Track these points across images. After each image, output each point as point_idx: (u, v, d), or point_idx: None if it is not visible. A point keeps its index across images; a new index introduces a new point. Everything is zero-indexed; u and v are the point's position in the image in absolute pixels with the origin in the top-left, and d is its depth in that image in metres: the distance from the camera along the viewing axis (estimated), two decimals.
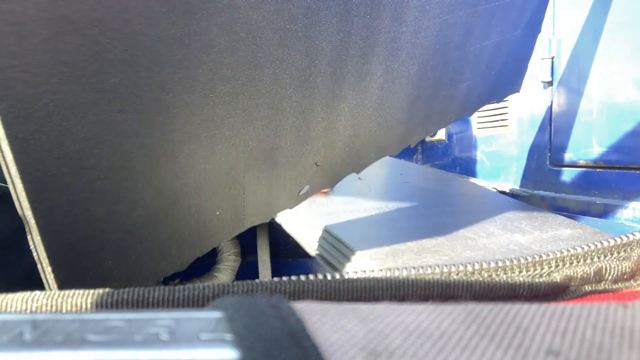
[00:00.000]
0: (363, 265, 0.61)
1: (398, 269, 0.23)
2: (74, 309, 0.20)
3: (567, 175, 0.96)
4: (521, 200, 1.00)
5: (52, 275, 0.31)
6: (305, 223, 0.81)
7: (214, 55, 0.36)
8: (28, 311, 0.20)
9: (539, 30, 0.84)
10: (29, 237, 0.30)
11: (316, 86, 0.47)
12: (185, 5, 0.32)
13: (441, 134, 1.53)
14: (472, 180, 1.25)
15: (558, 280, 0.23)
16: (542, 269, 0.24)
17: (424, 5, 0.54)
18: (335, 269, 0.68)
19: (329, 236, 0.72)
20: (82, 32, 0.27)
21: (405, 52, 0.56)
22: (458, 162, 1.51)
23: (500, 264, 0.24)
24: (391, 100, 0.58)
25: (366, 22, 0.48)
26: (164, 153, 0.36)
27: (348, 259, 0.65)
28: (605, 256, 0.25)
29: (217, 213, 0.44)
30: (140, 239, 0.38)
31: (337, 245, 0.69)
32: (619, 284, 0.24)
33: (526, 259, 0.25)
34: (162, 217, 0.39)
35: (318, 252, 0.75)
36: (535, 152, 1.07)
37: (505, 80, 0.83)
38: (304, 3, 0.41)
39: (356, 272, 0.22)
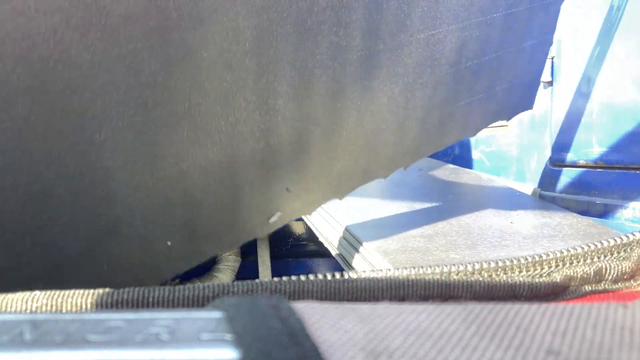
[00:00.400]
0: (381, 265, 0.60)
1: (398, 269, 0.23)
2: (74, 309, 0.20)
3: (567, 175, 0.96)
4: None
5: None
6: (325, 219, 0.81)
7: (144, 79, 0.34)
8: (28, 311, 0.20)
9: (550, 43, 0.79)
10: None
11: (277, 109, 0.44)
12: (102, 30, 0.31)
13: None
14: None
15: (558, 280, 0.23)
16: (542, 269, 0.24)
17: (403, 21, 0.51)
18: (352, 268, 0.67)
19: (350, 237, 0.72)
20: None
21: (385, 71, 0.53)
22: (458, 161, 1.51)
23: (500, 264, 0.24)
24: (372, 121, 0.55)
25: (332, 39, 0.45)
26: (92, 181, 0.35)
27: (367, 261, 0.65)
28: (605, 256, 0.25)
29: (168, 243, 0.42)
30: (73, 272, 0.37)
31: (356, 245, 0.69)
32: (619, 284, 0.24)
33: (526, 259, 0.25)
34: (98, 248, 0.37)
35: (338, 252, 0.75)
36: (535, 152, 1.07)
37: (513, 97, 0.78)
38: (251, 22, 0.38)
39: (356, 272, 0.22)
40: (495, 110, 0.77)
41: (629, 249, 0.25)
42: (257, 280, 0.21)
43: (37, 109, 0.30)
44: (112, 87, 0.33)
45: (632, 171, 0.82)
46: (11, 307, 0.20)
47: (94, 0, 0.30)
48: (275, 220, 0.52)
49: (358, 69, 0.49)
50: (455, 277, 0.22)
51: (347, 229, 0.73)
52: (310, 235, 1.17)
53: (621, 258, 0.25)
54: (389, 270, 0.23)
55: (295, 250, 1.27)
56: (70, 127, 0.32)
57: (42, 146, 0.32)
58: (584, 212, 0.88)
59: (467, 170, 1.36)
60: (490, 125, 1.29)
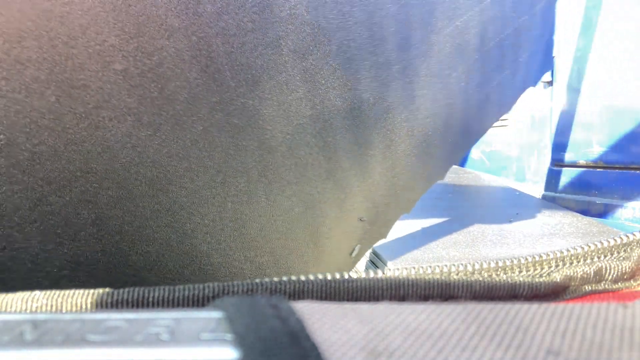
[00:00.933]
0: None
1: (398, 269, 0.23)
2: (74, 309, 0.20)
3: (567, 175, 0.96)
4: None
5: None
6: None
7: (217, 156, 0.35)
8: (28, 311, 0.20)
9: None
10: None
11: (336, 144, 0.44)
12: (172, 120, 0.31)
13: None
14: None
15: (558, 280, 0.23)
16: (542, 269, 0.24)
17: (428, 20, 0.51)
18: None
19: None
20: None
21: (424, 75, 0.53)
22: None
23: (500, 264, 0.24)
24: (420, 128, 0.55)
25: (372, 60, 0.45)
26: (192, 264, 0.37)
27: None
28: (605, 256, 0.25)
29: None
30: None
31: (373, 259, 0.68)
32: (619, 284, 0.24)
33: (526, 259, 0.25)
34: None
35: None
36: (535, 152, 1.07)
37: (534, 62, 0.78)
38: (299, 67, 0.38)
39: (356, 272, 0.22)
40: (522, 81, 0.77)
41: (629, 249, 0.25)
42: (257, 280, 0.21)
43: (128, 219, 0.31)
44: (191, 174, 0.33)
45: (632, 171, 0.82)
46: (11, 307, 0.20)
47: (160, 91, 0.30)
48: (357, 253, 0.52)
49: (399, 81, 0.49)
50: (455, 277, 0.22)
51: None
52: None
53: (621, 258, 0.25)
54: (389, 270, 0.23)
55: None
56: (162, 225, 0.33)
57: (140, 251, 0.33)
58: (584, 212, 0.88)
59: (467, 170, 1.36)
60: None
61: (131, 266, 0.33)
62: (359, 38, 0.43)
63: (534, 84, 0.82)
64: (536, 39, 0.76)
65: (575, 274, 0.24)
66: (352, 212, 0.49)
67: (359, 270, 0.27)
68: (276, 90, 0.37)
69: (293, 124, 0.39)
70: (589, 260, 0.25)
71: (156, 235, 0.33)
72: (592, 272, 0.24)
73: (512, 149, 1.18)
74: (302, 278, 0.21)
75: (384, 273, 0.22)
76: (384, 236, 0.58)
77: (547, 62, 0.84)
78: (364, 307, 0.15)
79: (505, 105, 0.74)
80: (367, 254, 0.65)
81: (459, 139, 0.64)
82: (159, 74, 0.30)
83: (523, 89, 0.79)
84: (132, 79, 0.29)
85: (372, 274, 0.22)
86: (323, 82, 0.41)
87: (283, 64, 0.37)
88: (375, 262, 0.64)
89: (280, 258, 0.43)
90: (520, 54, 0.73)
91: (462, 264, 0.24)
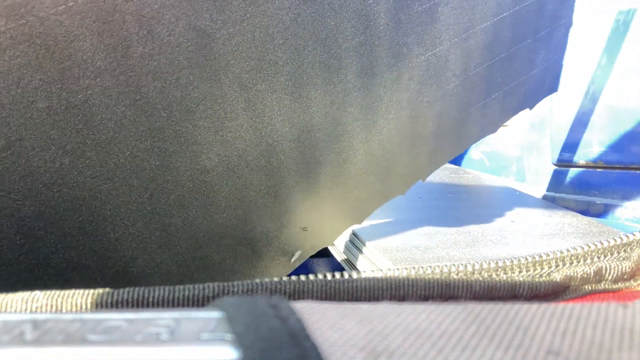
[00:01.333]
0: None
1: (398, 268, 0.23)
2: (74, 309, 0.20)
3: (568, 175, 0.96)
4: None
5: None
6: None
7: (145, 176, 0.38)
8: (28, 311, 0.20)
9: (569, 25, 0.75)
10: None
11: (280, 166, 0.45)
12: (98, 145, 0.33)
13: None
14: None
15: (558, 280, 0.23)
16: (542, 269, 0.24)
17: (399, 51, 0.49)
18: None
19: (351, 235, 0.71)
20: None
21: (387, 100, 0.52)
22: (458, 161, 1.51)
23: (500, 264, 0.24)
24: (382, 149, 0.54)
25: (327, 89, 0.45)
26: (115, 272, 0.39)
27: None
28: (605, 256, 0.25)
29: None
30: None
31: (357, 243, 0.68)
32: (619, 284, 0.24)
33: (526, 259, 0.25)
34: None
35: (345, 258, 0.75)
36: (535, 152, 1.07)
37: (533, 85, 0.76)
38: (242, 97, 0.39)
39: (356, 272, 0.22)
40: (515, 102, 0.75)
41: (629, 249, 0.25)
42: (257, 280, 0.21)
43: (50, 229, 0.34)
44: (116, 192, 0.35)
45: (632, 171, 0.82)
46: (11, 307, 0.20)
47: (85, 123, 0.31)
48: (297, 259, 0.52)
49: (358, 105, 0.49)
50: (455, 277, 0.22)
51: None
52: None
53: (621, 258, 0.25)
54: (389, 270, 0.23)
55: None
56: (85, 233, 0.35)
57: (63, 255, 0.35)
58: (584, 212, 0.88)
59: (467, 170, 1.36)
60: None
61: (54, 267, 0.35)
62: (311, 70, 0.42)
63: (531, 106, 0.80)
64: (538, 62, 0.74)
65: (575, 274, 0.24)
66: (294, 223, 0.50)
67: (360, 270, 0.27)
68: (213, 118, 0.38)
69: (232, 147, 0.40)
70: (589, 260, 0.25)
71: (78, 242, 0.35)
72: (592, 272, 0.24)
73: (512, 149, 1.18)
74: (302, 278, 0.21)
75: (384, 273, 0.22)
76: (329, 243, 0.58)
77: (551, 85, 0.80)
78: (364, 307, 0.15)
79: (488, 126, 0.72)
80: (373, 258, 0.64)
81: (427, 159, 0.63)
82: (84, 109, 0.31)
83: (515, 112, 0.77)
84: (57, 115, 0.31)
85: (372, 274, 0.22)
86: (268, 110, 0.41)
87: (222, 96, 0.38)
88: (378, 264, 0.64)
89: (212, 265, 0.44)
90: (514, 77, 0.71)
91: (462, 264, 0.24)
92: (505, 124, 1.20)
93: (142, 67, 0.32)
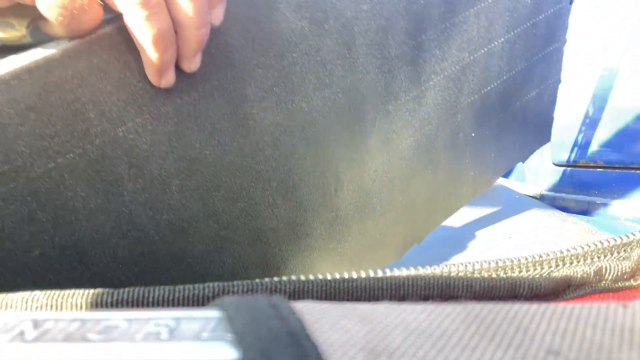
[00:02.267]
0: None
1: (398, 268, 0.23)
2: (74, 308, 0.20)
3: (567, 175, 0.96)
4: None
5: None
6: None
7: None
8: (29, 311, 0.20)
9: (563, 43, 0.72)
10: None
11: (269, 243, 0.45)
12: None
13: None
14: None
15: (558, 280, 0.23)
16: (542, 268, 0.24)
17: (355, 110, 0.48)
18: None
19: None
20: None
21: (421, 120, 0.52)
22: None
23: (500, 263, 0.24)
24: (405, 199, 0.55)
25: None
26: None
27: None
28: (605, 256, 0.25)
29: None
30: None
31: None
32: (619, 283, 0.24)
33: (526, 259, 0.25)
34: None
35: None
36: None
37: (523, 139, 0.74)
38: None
39: (356, 272, 0.22)
40: (507, 159, 0.73)
41: (629, 249, 0.25)
42: (257, 280, 0.21)
43: None
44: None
45: (632, 171, 0.82)
46: (12, 307, 0.20)
47: (79, 262, 0.32)
48: None
49: (350, 192, 0.49)
50: (455, 277, 0.22)
51: None
52: None
53: (621, 258, 0.25)
54: (389, 270, 0.23)
55: None
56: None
57: None
58: (584, 212, 0.88)
59: None
60: None
61: None
62: (301, 170, 0.43)
63: (523, 160, 0.76)
64: (530, 115, 0.72)
65: (575, 274, 0.24)
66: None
67: (360, 270, 0.27)
68: (209, 233, 0.39)
69: (230, 254, 0.40)
70: (589, 260, 0.25)
71: None
72: (592, 272, 0.24)
73: None
74: (302, 278, 0.21)
75: (384, 273, 0.22)
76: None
77: (543, 137, 0.78)
78: (364, 307, 0.15)
79: (481, 185, 0.70)
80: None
81: (421, 225, 0.63)
82: (78, 248, 0.32)
83: (509, 165, 0.74)
84: (51, 259, 0.31)
85: (372, 274, 0.22)
86: (261, 216, 0.42)
87: (214, 212, 0.38)
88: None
89: None
90: (505, 135, 0.69)
91: (462, 264, 0.24)
92: None
93: (134, 201, 0.33)
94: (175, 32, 0.30)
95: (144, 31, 0.28)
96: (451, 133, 0.59)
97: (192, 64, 0.32)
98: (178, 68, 0.32)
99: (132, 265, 0.35)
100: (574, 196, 0.92)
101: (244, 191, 0.39)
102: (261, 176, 0.40)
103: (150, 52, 0.29)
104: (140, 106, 0.32)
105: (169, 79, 0.32)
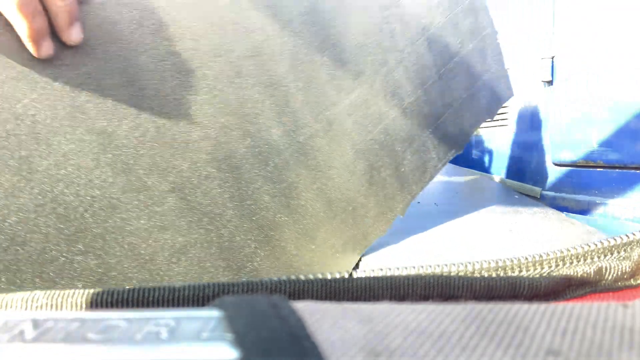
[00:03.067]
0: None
1: (398, 268, 0.23)
2: (74, 308, 0.20)
3: (567, 174, 0.96)
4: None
5: None
6: None
7: None
8: (29, 310, 0.20)
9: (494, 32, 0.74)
10: None
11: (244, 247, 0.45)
12: None
13: None
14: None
15: (558, 280, 0.23)
16: (542, 268, 0.24)
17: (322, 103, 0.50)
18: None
19: None
20: None
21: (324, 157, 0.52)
22: (458, 161, 1.51)
23: (500, 263, 0.24)
24: (338, 207, 0.53)
25: (261, 173, 0.45)
26: None
27: None
28: (605, 256, 0.25)
29: None
30: None
31: None
32: (619, 283, 0.24)
33: (526, 258, 0.25)
34: None
35: None
36: (535, 152, 1.07)
37: (487, 94, 0.75)
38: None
39: (356, 272, 0.22)
40: (468, 118, 0.73)
41: (629, 249, 0.25)
42: (257, 280, 0.21)
43: None
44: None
45: (632, 171, 0.82)
46: (11, 307, 0.20)
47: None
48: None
49: (303, 167, 0.49)
50: (455, 276, 0.22)
51: None
52: None
53: (621, 258, 0.25)
54: (389, 270, 0.23)
55: None
56: None
57: None
58: (584, 212, 0.88)
59: (467, 170, 1.36)
60: (490, 125, 1.29)
61: None
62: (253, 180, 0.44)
63: (492, 116, 0.76)
64: (477, 76, 0.72)
65: (575, 273, 0.24)
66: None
67: (360, 270, 0.27)
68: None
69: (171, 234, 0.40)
70: (589, 260, 0.25)
71: None
72: (592, 272, 0.24)
73: (512, 149, 1.18)
74: (302, 278, 0.21)
75: (384, 273, 0.22)
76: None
77: (505, 93, 0.78)
78: (364, 307, 0.15)
79: (451, 145, 0.70)
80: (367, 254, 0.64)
81: (398, 195, 0.62)
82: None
83: (474, 125, 0.74)
84: None
85: (372, 274, 0.22)
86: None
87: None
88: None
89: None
90: (455, 96, 0.70)
91: (462, 264, 0.24)
92: (505, 124, 1.20)
93: (51, 177, 0.34)
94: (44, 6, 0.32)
95: (8, 1, 0.30)
96: (393, 90, 0.59)
97: (71, 36, 0.34)
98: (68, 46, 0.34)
99: (69, 245, 0.34)
100: (574, 196, 0.92)
101: (170, 164, 0.39)
102: (188, 147, 0.40)
103: (19, 22, 0.31)
104: (30, 82, 0.33)
105: (46, 49, 0.33)
